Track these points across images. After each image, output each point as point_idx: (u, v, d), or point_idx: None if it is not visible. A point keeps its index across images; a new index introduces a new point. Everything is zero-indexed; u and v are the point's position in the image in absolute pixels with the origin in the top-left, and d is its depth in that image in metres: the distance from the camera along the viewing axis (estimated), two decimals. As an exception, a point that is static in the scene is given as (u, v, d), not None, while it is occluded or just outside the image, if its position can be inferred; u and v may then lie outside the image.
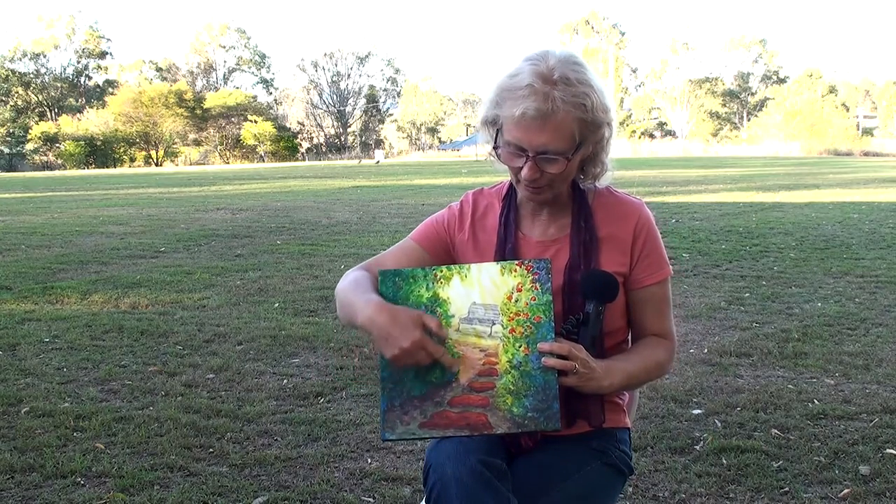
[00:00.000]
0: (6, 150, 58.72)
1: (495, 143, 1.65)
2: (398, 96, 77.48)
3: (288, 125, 69.34)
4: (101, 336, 5.04)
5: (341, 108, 72.63)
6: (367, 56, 73.45)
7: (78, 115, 61.36)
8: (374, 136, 74.96)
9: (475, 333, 1.53)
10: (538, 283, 1.54)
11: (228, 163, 58.85)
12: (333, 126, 73.78)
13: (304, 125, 72.59)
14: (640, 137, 65.26)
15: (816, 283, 6.44)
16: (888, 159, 41.03)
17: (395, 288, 1.57)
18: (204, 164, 58.93)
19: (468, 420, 1.49)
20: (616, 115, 1.70)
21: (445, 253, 1.80)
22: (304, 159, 60.42)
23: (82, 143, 54.90)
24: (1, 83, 62.12)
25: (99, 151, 56.44)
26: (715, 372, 4.15)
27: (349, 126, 73.86)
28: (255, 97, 67.74)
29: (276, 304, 5.95)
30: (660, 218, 10.41)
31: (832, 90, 65.72)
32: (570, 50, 1.64)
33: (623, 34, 74.79)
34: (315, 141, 72.18)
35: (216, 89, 68.91)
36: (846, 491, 2.75)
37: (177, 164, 59.17)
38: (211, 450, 3.20)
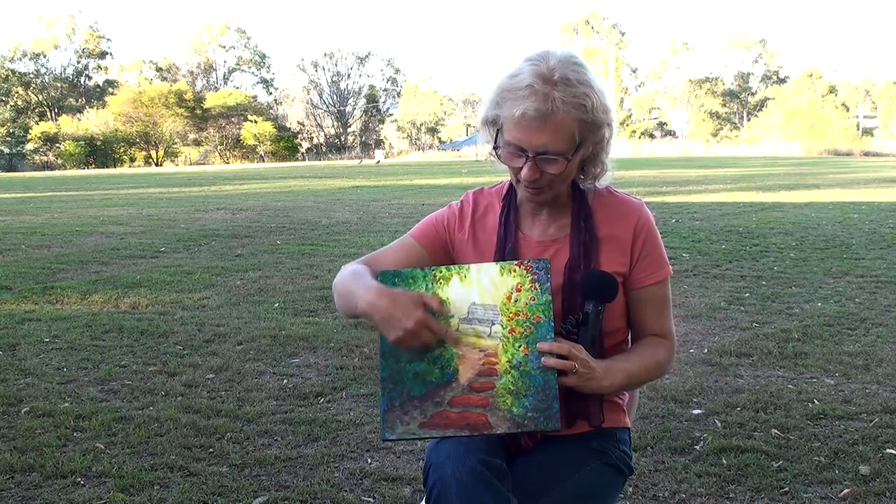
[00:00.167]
0: (6, 150, 58.71)
1: (495, 142, 1.65)
2: (398, 96, 77.48)
3: (288, 125, 69.34)
4: (101, 336, 5.04)
5: (341, 108, 72.63)
6: (367, 56, 73.47)
7: (78, 115, 61.35)
8: (374, 136, 74.94)
9: (475, 334, 1.53)
10: (537, 283, 1.54)
11: (228, 163, 58.84)
12: (333, 126, 73.78)
13: (304, 125, 72.58)
14: (640, 137, 65.24)
15: (816, 283, 6.44)
16: (888, 159, 41.03)
17: (395, 288, 1.57)
18: (204, 164, 58.93)
19: (468, 420, 1.49)
20: (616, 116, 1.70)
21: (444, 251, 1.80)
22: (304, 159, 60.42)
23: (82, 143, 54.89)
24: (1, 83, 62.11)
25: (99, 151, 56.43)
26: (715, 372, 4.15)
27: (349, 126, 73.86)
28: (255, 97, 67.75)
29: (276, 304, 5.95)
30: (660, 218, 10.42)
31: (832, 90, 65.70)
32: (570, 50, 1.64)
33: (623, 34, 74.79)
34: (315, 141, 72.17)
35: (216, 89, 68.90)
36: (846, 491, 2.75)
37: (177, 164, 59.16)
38: (211, 450, 3.20)
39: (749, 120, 68.46)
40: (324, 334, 4.99)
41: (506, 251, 1.72)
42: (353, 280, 1.64)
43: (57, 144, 56.49)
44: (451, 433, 1.50)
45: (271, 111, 68.54)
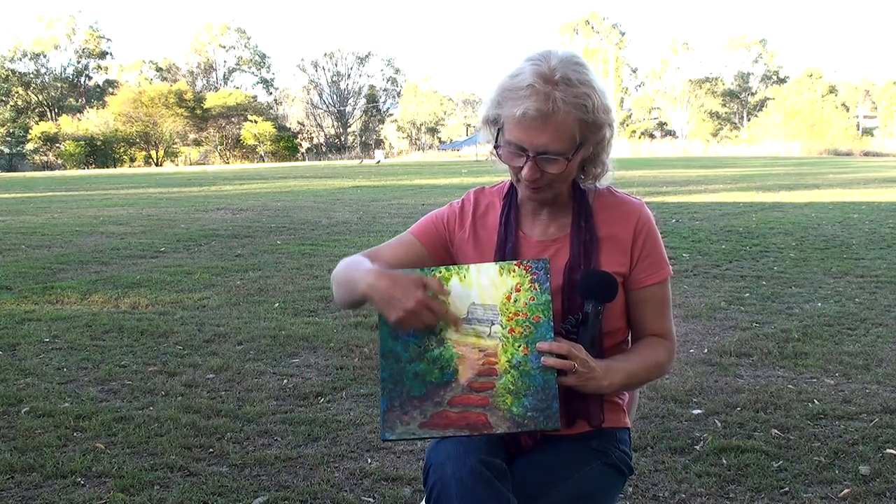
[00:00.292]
0: (6, 150, 58.72)
1: (496, 142, 1.65)
2: (398, 96, 77.49)
3: (288, 125, 69.35)
4: (101, 336, 5.04)
5: (341, 108, 72.63)
6: (367, 56, 73.48)
7: (78, 115, 61.35)
8: (374, 136, 74.94)
9: (474, 334, 1.53)
10: (537, 283, 1.54)
11: (228, 163, 58.85)
12: (333, 126, 73.78)
13: (304, 125, 72.58)
14: (640, 137, 65.25)
15: (816, 283, 6.44)
16: (888, 159, 41.03)
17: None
18: (204, 164, 58.93)
19: (468, 420, 1.49)
20: (616, 116, 1.70)
21: (443, 249, 1.80)
22: (304, 159, 60.42)
23: (82, 143, 54.90)
24: (1, 83, 62.11)
25: (99, 151, 56.44)
26: (715, 372, 4.15)
27: (349, 126, 73.86)
28: (255, 97, 67.76)
29: (276, 304, 5.95)
30: (660, 218, 10.42)
31: (832, 90, 65.69)
32: (572, 50, 1.65)
33: (623, 34, 74.80)
34: (315, 141, 72.18)
35: (216, 89, 68.90)
36: (846, 491, 2.75)
37: (177, 164, 59.17)
38: (211, 450, 3.20)
39: (749, 120, 68.47)
40: (324, 334, 4.99)
41: (506, 250, 1.72)
42: (353, 267, 1.66)
43: (57, 144, 56.49)
44: (451, 433, 1.50)
45: (271, 111, 68.55)
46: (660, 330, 1.75)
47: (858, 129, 63.85)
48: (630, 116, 72.90)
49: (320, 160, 58.31)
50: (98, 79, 70.39)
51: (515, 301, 1.54)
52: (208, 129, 62.80)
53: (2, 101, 61.49)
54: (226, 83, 72.77)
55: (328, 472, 2.99)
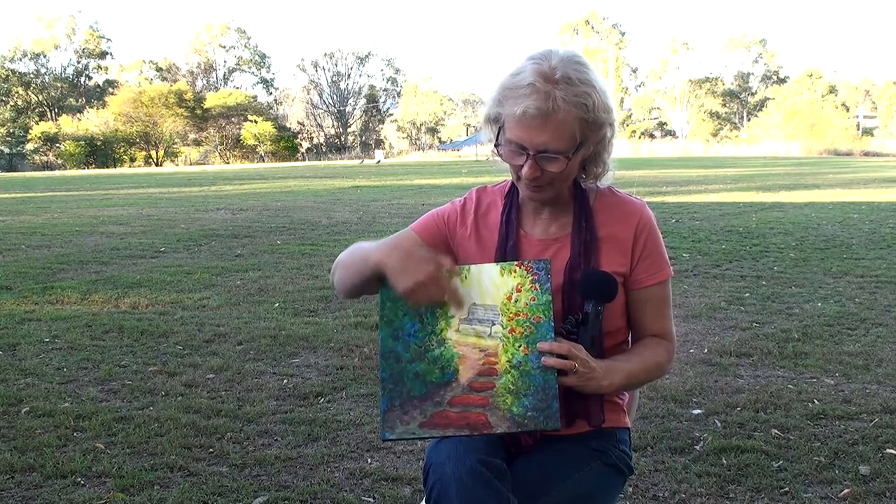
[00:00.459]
0: (6, 150, 58.72)
1: (497, 140, 1.66)
2: (398, 96, 77.49)
3: (288, 125, 69.35)
4: (101, 336, 5.04)
5: (341, 108, 72.63)
6: (367, 56, 73.49)
7: (78, 115, 61.36)
8: (374, 136, 74.95)
9: (475, 334, 1.53)
10: (537, 283, 1.54)
11: (228, 163, 58.85)
12: (333, 126, 73.79)
13: (304, 125, 72.59)
14: (640, 137, 65.27)
15: (816, 283, 6.44)
16: (888, 159, 41.03)
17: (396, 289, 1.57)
18: (204, 164, 58.92)
19: (468, 420, 1.49)
20: (617, 115, 1.70)
21: (444, 246, 1.80)
22: (304, 159, 60.42)
23: (82, 143, 54.90)
24: (1, 83, 62.12)
25: (99, 151, 56.45)
26: (715, 372, 4.15)
27: (349, 126, 73.86)
28: (255, 97, 67.77)
29: (276, 304, 5.95)
30: (660, 218, 10.40)
31: (832, 90, 65.70)
32: (573, 49, 1.65)
33: (623, 34, 74.84)
34: (315, 141, 72.19)
35: (216, 89, 68.91)
36: (846, 491, 2.75)
37: (177, 164, 59.18)
38: (211, 450, 3.20)
39: (749, 120, 68.47)
40: (324, 334, 4.99)
41: (507, 249, 1.72)
42: (361, 246, 1.67)
43: (57, 144, 56.50)
44: (450, 433, 1.50)
45: (271, 111, 68.56)
46: (660, 330, 1.75)
47: (858, 129, 63.85)
48: (630, 116, 72.91)
49: (320, 160, 58.31)
50: (98, 79, 70.46)
51: (516, 301, 1.54)
52: (208, 129, 62.81)
53: (2, 101, 61.49)
54: (226, 83, 72.80)
55: (328, 472, 2.99)
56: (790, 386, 3.89)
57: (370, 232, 10.45)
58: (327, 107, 73.19)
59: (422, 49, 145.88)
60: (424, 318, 1.55)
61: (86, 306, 5.97)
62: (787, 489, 2.79)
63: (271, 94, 74.72)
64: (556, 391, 1.50)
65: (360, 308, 5.64)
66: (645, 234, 1.72)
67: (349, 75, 73.01)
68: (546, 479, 1.60)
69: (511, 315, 1.53)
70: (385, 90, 76.01)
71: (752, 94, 72.06)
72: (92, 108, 62.07)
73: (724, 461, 3.01)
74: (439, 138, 78.09)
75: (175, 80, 67.08)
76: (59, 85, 66.78)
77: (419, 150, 72.13)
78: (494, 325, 1.53)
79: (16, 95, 63.38)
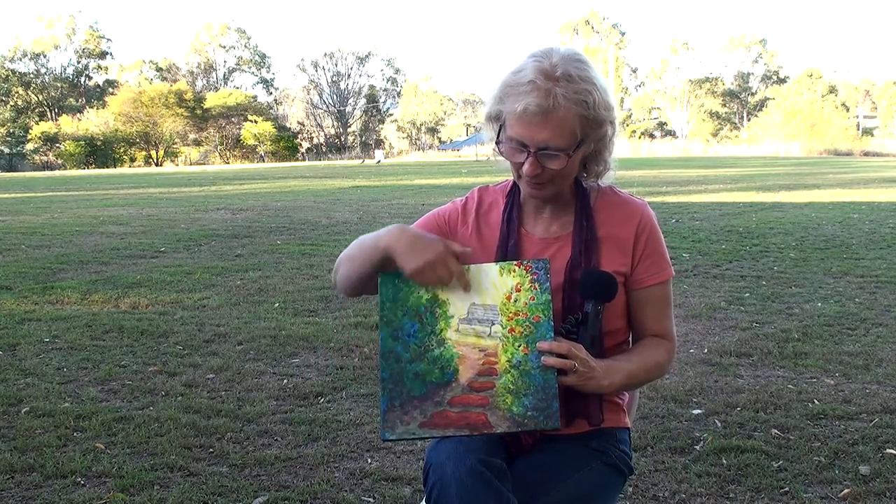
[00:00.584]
0: (6, 150, 58.72)
1: (498, 137, 1.66)
2: (398, 96, 77.48)
3: (288, 125, 69.35)
4: (101, 336, 5.04)
5: (341, 108, 72.63)
6: (367, 56, 73.48)
7: (78, 115, 61.35)
8: (374, 136, 74.95)
9: (475, 334, 1.53)
10: (537, 282, 1.54)
11: (228, 163, 58.85)
12: (333, 126, 73.78)
13: (304, 125, 72.59)
14: (640, 137, 65.24)
15: (816, 283, 6.44)
16: (888, 159, 41.03)
17: (395, 289, 1.57)
18: (204, 164, 58.92)
19: (468, 420, 1.49)
20: (618, 114, 1.71)
21: None
22: (304, 159, 60.43)
23: (82, 143, 54.90)
24: (1, 83, 62.12)
25: (99, 151, 56.44)
26: (715, 372, 4.15)
27: (349, 126, 73.86)
28: (255, 97, 67.76)
29: (276, 304, 5.95)
30: (660, 218, 10.38)
31: (832, 90, 65.68)
32: (574, 48, 1.66)
33: (623, 34, 74.84)
34: (315, 141, 72.19)
35: (216, 89, 68.91)
36: (846, 491, 2.75)
37: (177, 164, 59.17)
38: (211, 450, 3.20)
39: (749, 120, 68.46)
40: (324, 334, 4.99)
41: (508, 248, 1.72)
42: (367, 236, 1.68)
43: (57, 144, 56.50)
44: (451, 433, 1.50)
45: (271, 111, 68.56)
46: (660, 330, 1.75)
47: (858, 129, 63.83)
48: (630, 116, 72.89)
49: (320, 160, 58.31)
50: (98, 79, 70.44)
51: (516, 301, 1.54)
52: (208, 129, 62.80)
53: (2, 101, 61.50)
54: (226, 83, 72.80)
55: (328, 472, 2.99)
56: (790, 386, 3.89)
57: (370, 232, 10.43)
58: (327, 107, 73.19)
59: (422, 49, 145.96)
60: (424, 318, 1.55)
61: (86, 306, 5.97)
62: (787, 489, 2.79)
63: (271, 94, 74.77)
64: (555, 391, 1.50)
65: (360, 308, 5.64)
66: (646, 233, 1.72)
67: (349, 75, 73.04)
68: (546, 479, 1.60)
69: (511, 315, 1.53)
70: (385, 90, 76.03)
71: (752, 94, 72.05)
72: (92, 108, 62.06)
73: (724, 461, 3.01)
74: (439, 138, 78.08)
75: (175, 80, 67.07)
76: (59, 85, 66.78)
77: (419, 150, 72.12)
78: (494, 324, 1.53)
79: (16, 95, 63.37)
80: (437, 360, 1.53)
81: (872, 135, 62.35)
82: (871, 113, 74.20)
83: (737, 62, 73.43)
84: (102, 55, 69.23)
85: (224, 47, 73.10)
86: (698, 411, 3.56)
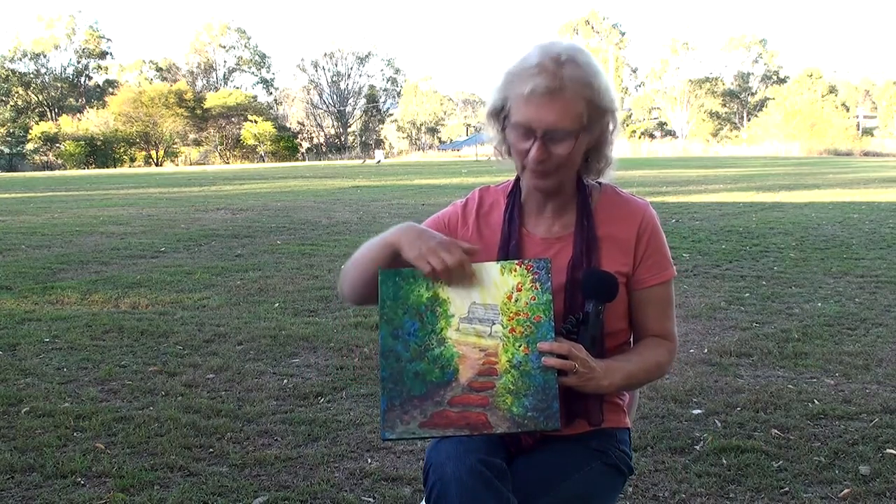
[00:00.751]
0: (6, 150, 58.73)
1: (503, 126, 1.66)
2: (398, 96, 77.49)
3: (288, 125, 69.36)
4: (101, 336, 5.04)
5: (341, 108, 72.63)
6: (367, 56, 73.49)
7: (78, 115, 61.37)
8: (374, 136, 74.95)
9: (475, 333, 1.53)
10: (538, 282, 1.54)
11: (228, 163, 58.85)
12: (333, 126, 73.79)
13: (304, 125, 72.60)
14: (640, 137, 65.23)
15: (816, 283, 6.44)
16: (888, 159, 41.03)
17: (396, 287, 1.57)
18: (204, 164, 58.92)
19: (468, 420, 1.49)
20: (619, 110, 1.72)
21: None
22: (304, 159, 60.43)
23: (82, 143, 54.91)
24: (1, 83, 62.12)
25: (99, 151, 56.45)
26: (715, 372, 4.15)
27: (349, 126, 73.86)
28: (255, 97, 67.78)
29: (276, 304, 5.95)
30: (660, 218, 10.41)
31: (832, 90, 65.66)
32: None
33: (623, 34, 74.85)
34: (315, 141, 72.20)
35: (216, 89, 68.91)
36: (846, 491, 2.75)
37: (177, 164, 59.18)
38: (211, 450, 3.20)
39: (749, 120, 68.46)
40: (324, 334, 4.99)
41: (509, 248, 1.72)
42: (371, 239, 1.71)
43: (57, 144, 56.50)
44: (450, 433, 1.49)
45: (271, 111, 68.57)
46: (661, 331, 1.75)
47: (858, 129, 63.83)
48: (630, 116, 72.88)
49: (320, 160, 58.32)
50: (98, 79, 70.46)
51: (516, 301, 1.53)
52: (208, 129, 62.81)
53: (2, 101, 61.51)
54: (226, 83, 72.80)
55: (328, 472, 2.99)
56: (790, 386, 3.89)
57: (370, 232, 10.40)
58: (327, 107, 73.20)
59: (422, 49, 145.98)
60: (424, 316, 1.55)
61: (86, 306, 5.97)
62: (787, 489, 2.79)
63: (271, 94, 74.77)
64: (556, 391, 1.50)
65: (360, 308, 5.63)
66: (648, 233, 1.72)
67: (349, 75, 73.04)
68: (546, 479, 1.60)
69: (511, 314, 1.53)
70: (385, 90, 76.04)
71: (752, 94, 72.05)
72: (92, 108, 62.07)
73: (724, 461, 3.01)
74: (439, 138, 78.07)
75: (175, 80, 67.07)
76: (59, 85, 66.78)
77: (419, 150, 72.13)
78: (495, 324, 1.53)
79: (16, 95, 63.38)
80: (437, 360, 1.52)
81: (872, 135, 62.34)
82: (871, 113, 74.19)
83: (737, 62, 73.50)
84: (102, 55, 69.25)
85: (224, 47, 73.14)
86: (698, 411, 3.56)
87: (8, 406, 3.72)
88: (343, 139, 72.70)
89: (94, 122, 58.74)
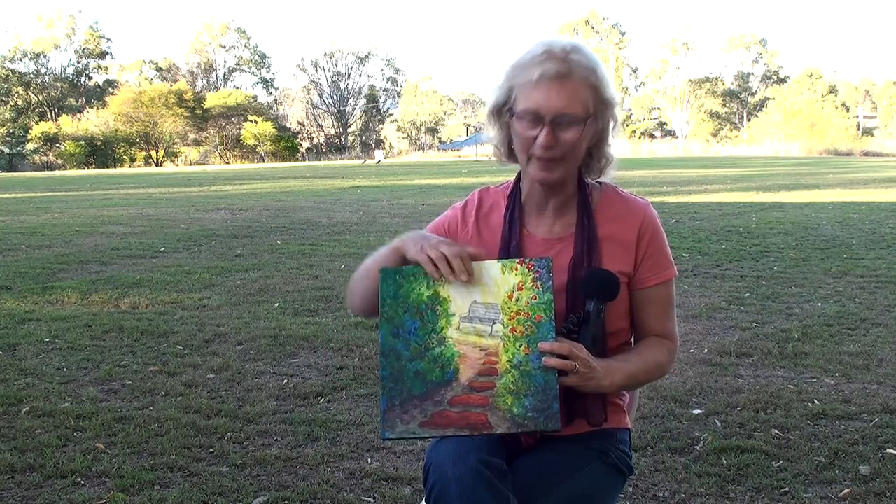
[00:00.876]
0: (6, 150, 58.72)
1: (507, 119, 1.66)
2: (398, 96, 77.49)
3: (288, 125, 69.37)
4: (101, 336, 5.04)
5: (341, 108, 72.63)
6: (367, 56, 73.50)
7: (78, 115, 61.37)
8: (374, 136, 74.95)
9: (476, 332, 1.53)
10: (539, 281, 1.53)
11: (228, 163, 58.85)
12: (333, 126, 73.79)
13: (304, 125, 72.60)
14: (640, 137, 65.24)
15: (816, 283, 6.44)
16: (888, 159, 41.02)
17: (396, 286, 1.57)
18: (204, 164, 58.93)
19: (468, 420, 1.49)
20: (619, 110, 1.73)
21: None
22: (304, 159, 60.44)
23: (82, 143, 54.91)
24: (1, 83, 62.13)
25: (99, 151, 56.45)
26: (715, 372, 4.15)
27: (349, 126, 73.85)
28: (255, 97, 67.78)
29: (276, 304, 5.95)
30: (660, 218, 10.43)
31: (832, 90, 65.66)
32: None
33: (623, 34, 74.83)
34: (315, 141, 72.20)
35: (216, 89, 68.91)
36: (846, 491, 2.75)
37: (177, 164, 59.18)
38: (211, 450, 3.20)
39: (749, 120, 68.45)
40: (324, 334, 4.99)
41: (510, 249, 1.72)
42: (379, 249, 1.72)
43: (57, 144, 56.51)
44: (450, 433, 1.49)
45: (271, 111, 68.58)
46: (663, 330, 1.75)
47: (858, 129, 63.81)
48: (630, 116, 72.87)
49: (320, 160, 58.32)
50: (98, 79, 70.45)
51: (517, 300, 1.53)
52: (208, 129, 62.81)
53: (2, 101, 61.52)
54: (226, 83, 72.80)
55: (328, 472, 2.99)
56: (790, 386, 3.89)
57: (370, 232, 10.45)
58: (327, 107, 73.20)
59: (422, 49, 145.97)
60: (425, 315, 1.55)
61: (86, 306, 5.97)
62: (787, 489, 2.79)
63: (271, 94, 74.78)
64: (556, 392, 1.50)
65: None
66: (649, 233, 1.72)
67: (349, 75, 73.05)
68: (546, 479, 1.60)
69: (512, 314, 1.53)
70: (385, 90, 76.04)
71: (752, 94, 72.05)
72: (92, 108, 62.07)
73: (724, 461, 3.01)
74: (439, 138, 78.05)
75: (175, 80, 67.08)
76: (59, 85, 66.77)
77: (419, 150, 72.14)
78: (495, 323, 1.53)
79: (16, 95, 63.38)
80: (437, 359, 1.52)
81: (872, 135, 62.36)
82: (871, 113, 74.17)
83: (737, 62, 73.49)
84: (102, 55, 69.25)
85: (224, 47, 73.14)
86: (698, 411, 3.56)
87: (8, 406, 3.72)
88: (343, 139, 72.69)
89: (94, 122, 58.75)
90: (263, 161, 57.89)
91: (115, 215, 13.44)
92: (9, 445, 3.22)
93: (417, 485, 2.86)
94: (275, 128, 61.75)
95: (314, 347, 4.73)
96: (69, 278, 7.20)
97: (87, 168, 51.64)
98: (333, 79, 72.63)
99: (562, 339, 1.54)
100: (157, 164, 58.62)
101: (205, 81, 72.54)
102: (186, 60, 73.01)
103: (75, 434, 3.37)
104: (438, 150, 68.48)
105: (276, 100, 74.21)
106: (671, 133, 71.69)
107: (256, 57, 73.56)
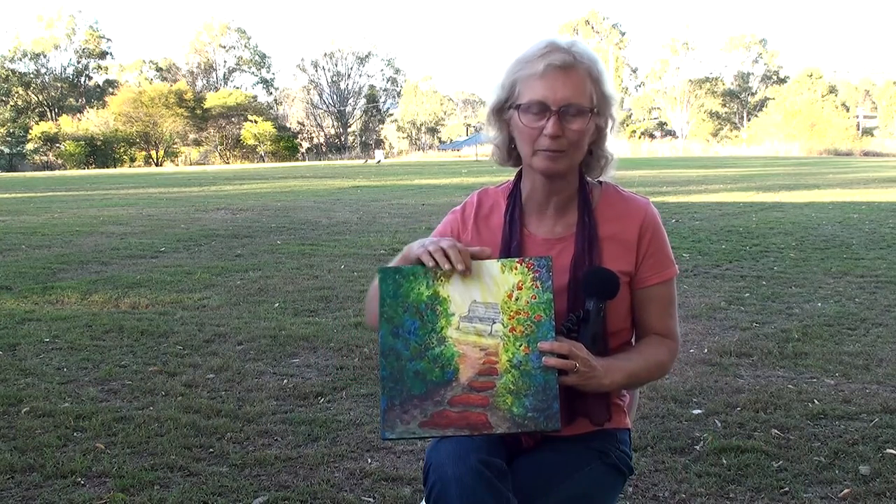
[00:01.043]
0: (6, 150, 58.72)
1: (517, 104, 1.65)
2: (398, 96, 77.47)
3: (288, 125, 69.35)
4: (101, 336, 5.04)
5: (341, 108, 72.62)
6: (367, 56, 73.49)
7: (78, 115, 61.36)
8: (375, 136, 74.94)
9: (475, 332, 1.53)
10: (539, 281, 1.53)
11: (228, 163, 58.84)
12: (333, 126, 73.78)
13: (304, 125, 72.59)
14: (640, 137, 65.24)
15: (816, 283, 6.44)
16: (888, 159, 41.01)
17: (396, 286, 1.56)
18: (204, 164, 58.92)
19: (468, 420, 1.49)
20: (617, 112, 1.73)
21: None
22: (304, 159, 60.43)
23: (82, 143, 54.90)
24: (1, 83, 62.12)
25: (99, 151, 56.45)
26: (715, 372, 4.15)
27: (349, 126, 73.85)
28: (255, 97, 67.77)
29: (276, 304, 5.95)
30: (660, 217, 10.42)
31: (832, 90, 65.65)
32: None
33: (623, 34, 74.84)
34: (315, 141, 72.19)
35: (216, 89, 68.90)
36: (846, 491, 2.75)
37: (177, 164, 59.17)
38: (211, 450, 3.20)
39: (749, 120, 68.44)
40: (324, 334, 4.99)
41: (511, 249, 1.71)
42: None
43: (57, 144, 56.50)
44: (451, 433, 1.49)
45: (271, 111, 68.56)
46: (663, 329, 1.75)
47: (858, 129, 63.80)
48: (630, 116, 72.88)
49: (320, 160, 58.31)
50: (98, 79, 70.43)
51: (517, 299, 1.53)
52: (208, 129, 62.80)
53: (2, 101, 61.51)
54: (226, 83, 72.78)
55: (328, 472, 2.99)
56: (790, 386, 3.89)
57: (370, 232, 10.44)
58: (327, 107, 73.19)
59: (422, 49, 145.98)
60: (425, 315, 1.55)
61: (86, 306, 5.97)
62: (787, 489, 2.79)
63: (271, 94, 74.77)
64: (556, 391, 1.50)
65: (361, 308, 5.63)
66: (650, 232, 1.72)
67: (349, 75, 73.04)
68: (546, 479, 1.59)
69: (512, 313, 1.53)
70: (385, 90, 76.02)
71: (752, 94, 72.04)
72: (92, 108, 62.06)
73: (724, 461, 3.01)
74: (439, 138, 78.02)
75: (175, 80, 67.07)
76: (59, 85, 66.76)
77: (419, 150, 72.12)
78: (495, 323, 1.53)
79: (16, 95, 63.37)
80: (437, 359, 1.52)
81: (872, 135, 62.35)
82: (871, 113, 74.17)
83: (737, 62, 73.48)
84: (102, 55, 69.22)
85: (224, 47, 73.13)
86: (698, 411, 3.56)
87: (8, 406, 3.72)
88: (343, 139, 72.68)
89: (94, 122, 58.74)
90: (263, 161, 57.89)
91: (115, 215, 13.44)
92: (9, 445, 3.22)
93: (417, 485, 2.86)
94: (275, 128, 61.73)
95: (314, 347, 4.73)
96: (69, 278, 7.20)
97: (87, 168, 51.63)
98: (333, 79, 72.64)
99: (561, 338, 1.54)
100: (157, 164, 58.61)
101: (205, 81, 72.53)
102: (186, 60, 73.03)
103: (75, 434, 3.37)
104: (438, 150, 68.44)
105: (276, 100, 74.22)
106: (671, 133, 71.69)
107: (256, 57, 73.56)
